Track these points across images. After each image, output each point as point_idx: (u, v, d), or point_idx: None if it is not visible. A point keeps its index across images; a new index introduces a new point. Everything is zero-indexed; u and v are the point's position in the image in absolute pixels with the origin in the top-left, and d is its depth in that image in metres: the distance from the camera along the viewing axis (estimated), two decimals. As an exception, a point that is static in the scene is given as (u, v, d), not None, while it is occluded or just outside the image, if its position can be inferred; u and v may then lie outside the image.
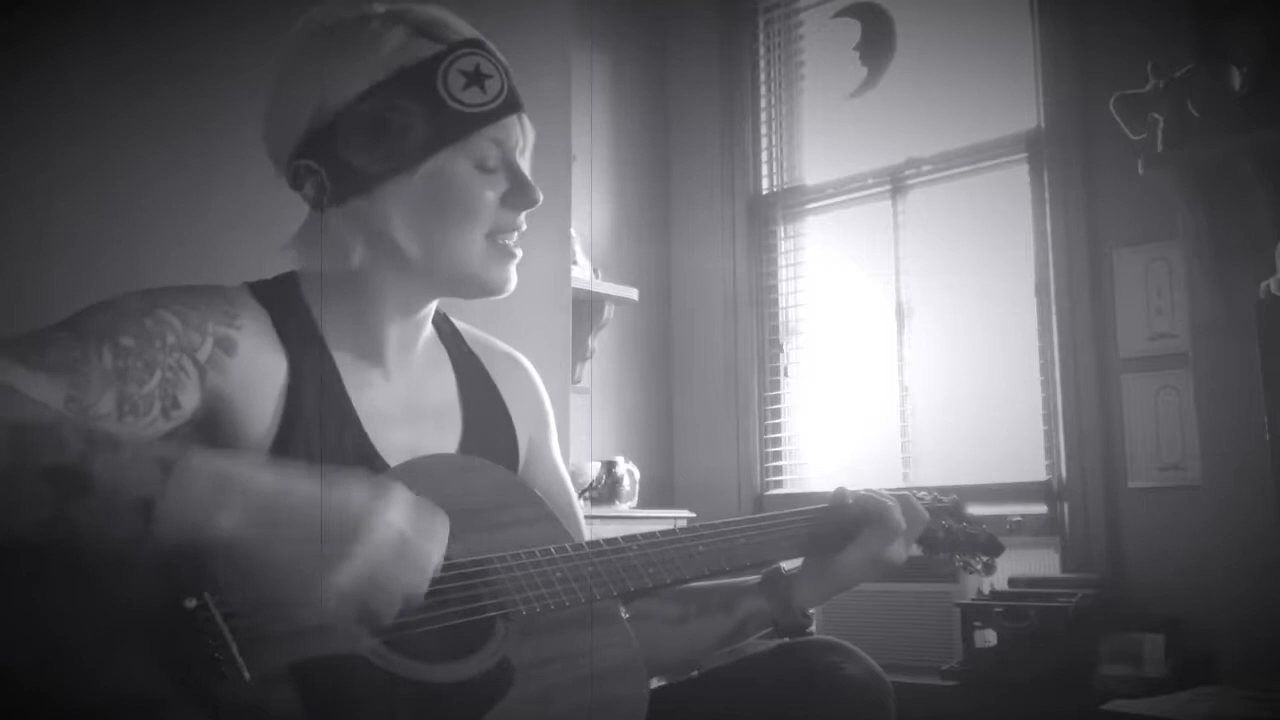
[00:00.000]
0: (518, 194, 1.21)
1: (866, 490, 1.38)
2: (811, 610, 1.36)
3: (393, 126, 1.16)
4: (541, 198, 1.23)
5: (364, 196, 1.17)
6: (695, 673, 1.35)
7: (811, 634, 1.34)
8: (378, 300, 1.23)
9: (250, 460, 0.98)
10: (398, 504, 0.95)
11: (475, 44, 1.20)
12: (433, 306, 1.30)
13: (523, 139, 1.23)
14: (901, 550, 1.35)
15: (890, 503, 1.35)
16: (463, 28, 1.21)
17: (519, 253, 1.24)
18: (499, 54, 1.22)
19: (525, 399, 1.39)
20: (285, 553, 0.90)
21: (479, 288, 1.24)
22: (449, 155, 1.17)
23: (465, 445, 1.29)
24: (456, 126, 1.17)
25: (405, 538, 0.94)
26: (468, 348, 1.38)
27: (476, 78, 1.17)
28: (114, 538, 0.89)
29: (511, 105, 1.20)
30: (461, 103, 1.16)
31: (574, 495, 1.43)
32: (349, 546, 0.90)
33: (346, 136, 1.16)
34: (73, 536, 0.89)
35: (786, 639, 1.34)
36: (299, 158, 1.18)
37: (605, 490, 3.57)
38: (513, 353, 1.42)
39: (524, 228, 1.25)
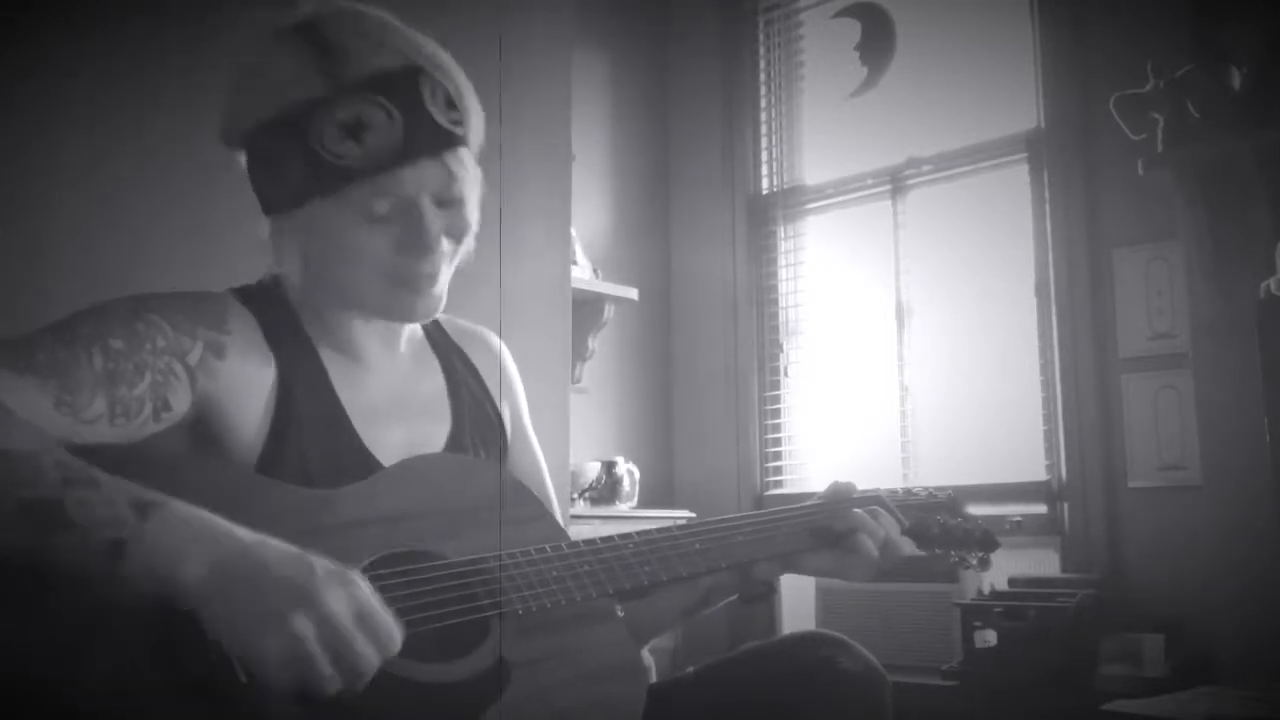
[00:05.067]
0: (410, 241, 1.15)
1: (866, 509, 1.37)
2: (774, 580, 1.36)
3: (273, 166, 1.14)
4: (448, 246, 1.17)
5: (276, 216, 1.18)
6: (692, 669, 1.35)
7: (772, 590, 1.35)
8: (338, 306, 1.23)
9: (226, 519, 0.94)
10: (362, 584, 0.92)
11: (374, 84, 1.11)
12: None
13: (444, 182, 1.15)
14: (865, 578, 1.35)
15: (873, 546, 1.33)
16: (376, 55, 1.12)
17: (432, 288, 1.19)
18: (435, 82, 1.14)
19: (496, 376, 1.38)
20: (237, 611, 0.88)
21: (388, 315, 1.22)
22: (323, 204, 1.13)
23: (455, 436, 1.29)
24: (327, 178, 1.11)
25: (367, 611, 0.91)
26: (450, 338, 1.38)
27: (354, 129, 1.10)
28: (84, 575, 0.89)
29: (413, 153, 1.12)
30: (333, 154, 1.10)
31: (545, 468, 1.43)
32: (296, 607, 0.87)
33: (252, 160, 1.17)
34: (49, 569, 0.88)
35: (748, 604, 1.35)
36: (236, 151, 1.20)
37: (605, 490, 3.57)
38: (477, 329, 1.41)
39: (438, 267, 1.18)
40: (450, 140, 1.15)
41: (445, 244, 1.18)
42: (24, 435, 0.95)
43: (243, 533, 0.92)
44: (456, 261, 1.22)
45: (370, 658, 0.89)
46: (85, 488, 0.90)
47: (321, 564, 0.91)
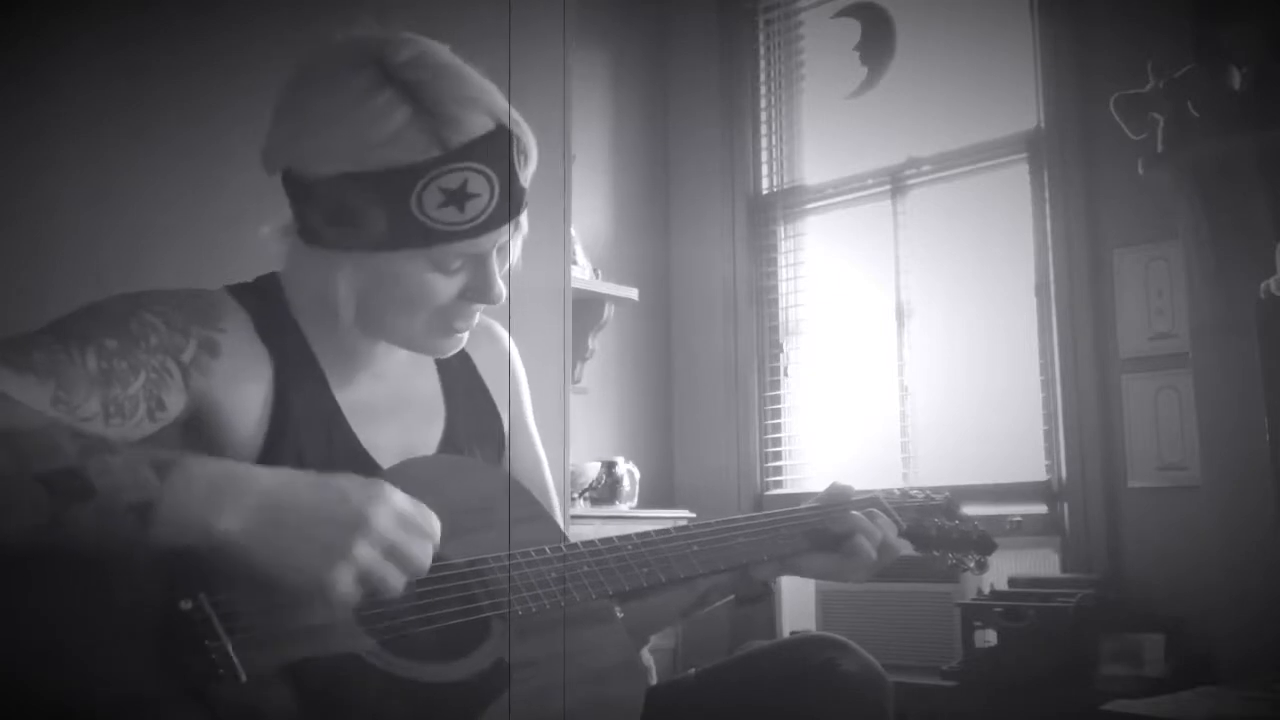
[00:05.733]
0: (478, 292, 1.17)
1: (864, 510, 1.37)
2: (772, 580, 1.37)
3: (359, 216, 1.11)
4: (503, 299, 1.19)
5: (321, 249, 1.16)
6: (693, 671, 1.35)
7: (769, 591, 1.37)
8: (369, 335, 1.23)
9: (246, 463, 0.99)
10: (393, 491, 0.99)
11: (476, 152, 1.10)
12: None
13: (511, 237, 1.18)
14: (862, 579, 1.38)
15: (870, 548, 1.34)
16: (474, 117, 1.11)
17: (466, 333, 1.23)
18: (522, 142, 1.15)
19: (501, 372, 1.38)
20: (288, 550, 0.93)
21: (415, 348, 1.24)
22: (408, 255, 1.13)
23: (450, 434, 1.29)
24: (421, 237, 1.11)
25: (407, 515, 0.98)
26: None
27: (458, 197, 1.10)
28: (112, 541, 0.90)
29: (495, 222, 1.13)
30: (432, 219, 1.10)
31: (546, 467, 1.43)
32: (353, 535, 0.94)
33: (315, 201, 1.13)
34: (69, 541, 0.89)
35: (746, 605, 1.37)
36: (281, 178, 1.17)
37: (605, 490, 3.57)
38: (488, 324, 1.40)
39: (477, 317, 1.23)
40: (524, 198, 1.17)
41: (499, 300, 1.20)
42: (29, 415, 0.95)
43: (264, 474, 0.97)
44: None
45: (424, 551, 0.99)
46: (104, 454, 0.91)
47: (351, 488, 0.97)
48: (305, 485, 0.97)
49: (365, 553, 0.94)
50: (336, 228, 1.13)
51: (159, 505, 0.89)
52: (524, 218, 1.19)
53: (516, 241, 1.21)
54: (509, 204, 1.13)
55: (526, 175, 1.18)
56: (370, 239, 1.12)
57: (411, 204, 1.09)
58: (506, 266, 1.21)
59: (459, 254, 1.14)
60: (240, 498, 0.92)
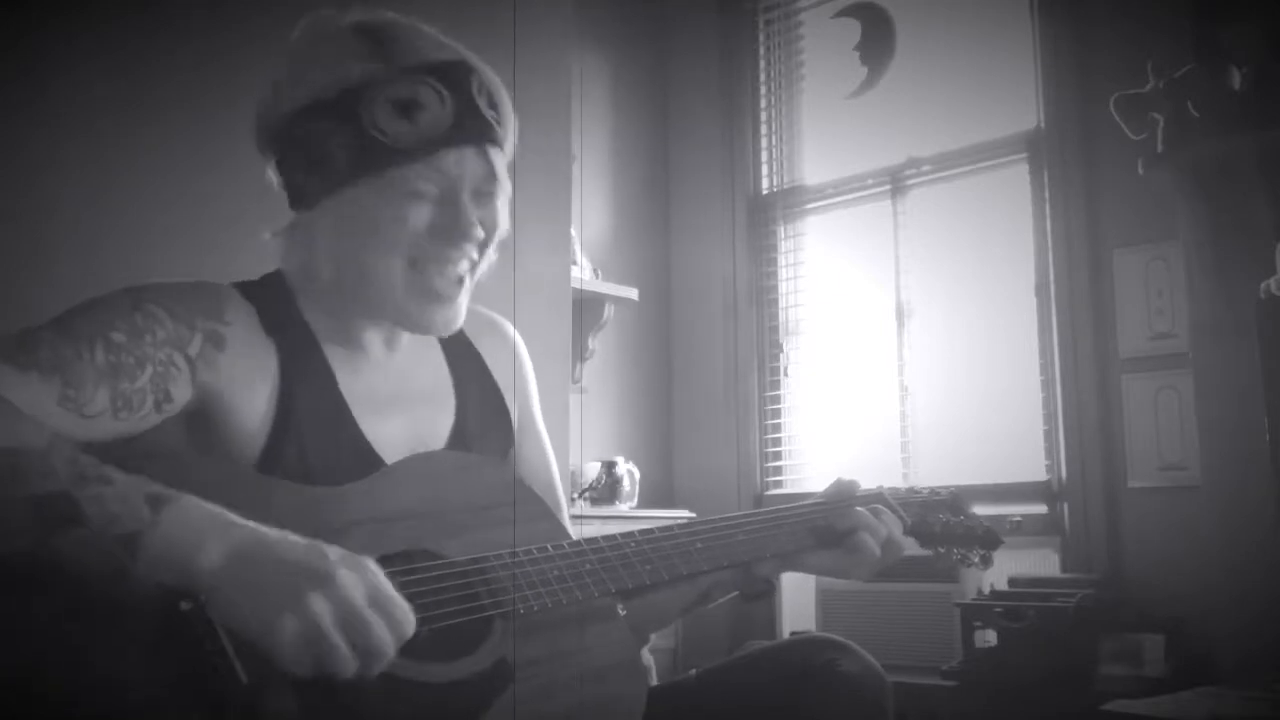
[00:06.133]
0: (450, 226, 1.16)
1: (868, 506, 1.37)
2: (775, 577, 1.36)
3: (315, 151, 1.14)
4: (482, 235, 1.17)
5: (306, 210, 1.19)
6: (693, 672, 1.35)
7: (772, 588, 1.36)
8: (345, 307, 1.23)
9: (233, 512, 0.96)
10: (378, 570, 0.94)
11: (432, 69, 1.14)
12: None
13: (484, 175, 1.17)
14: (866, 577, 1.37)
15: (875, 545, 1.34)
16: (430, 49, 1.16)
17: (455, 295, 1.19)
18: (483, 79, 1.17)
19: (509, 368, 1.38)
20: (251, 589, 0.90)
21: (406, 321, 1.21)
22: (366, 186, 1.14)
23: (459, 429, 1.29)
24: (376, 158, 1.12)
25: (381, 593, 0.92)
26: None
27: (407, 109, 1.12)
28: (97, 571, 0.89)
29: (459, 139, 1.14)
30: (383, 133, 1.12)
31: (555, 465, 1.43)
32: (312, 587, 0.89)
33: (287, 149, 1.17)
34: (54, 567, 0.89)
35: (749, 602, 1.36)
36: (267, 154, 1.20)
37: (605, 490, 3.57)
38: (491, 316, 1.40)
39: (464, 269, 1.19)
40: (492, 134, 1.17)
41: (476, 240, 1.18)
42: (31, 432, 0.95)
43: (255, 525, 0.94)
44: (479, 272, 1.23)
45: (386, 639, 0.91)
46: (98, 484, 0.91)
47: (335, 550, 0.93)
48: (289, 539, 0.93)
49: (318, 608, 0.88)
50: (312, 173, 1.15)
51: (146, 538, 0.89)
52: (507, 178, 1.20)
53: (503, 202, 1.20)
54: (473, 131, 1.15)
55: (505, 128, 1.19)
56: (337, 174, 1.13)
57: (364, 121, 1.11)
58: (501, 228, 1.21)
59: (422, 176, 1.14)
60: (222, 541, 0.91)
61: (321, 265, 1.19)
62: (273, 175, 1.22)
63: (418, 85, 1.13)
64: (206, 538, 0.91)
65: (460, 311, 1.22)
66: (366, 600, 0.91)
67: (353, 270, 1.18)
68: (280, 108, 1.17)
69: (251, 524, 0.94)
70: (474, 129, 1.15)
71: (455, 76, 1.15)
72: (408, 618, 0.93)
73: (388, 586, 0.93)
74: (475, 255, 1.20)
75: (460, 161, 1.15)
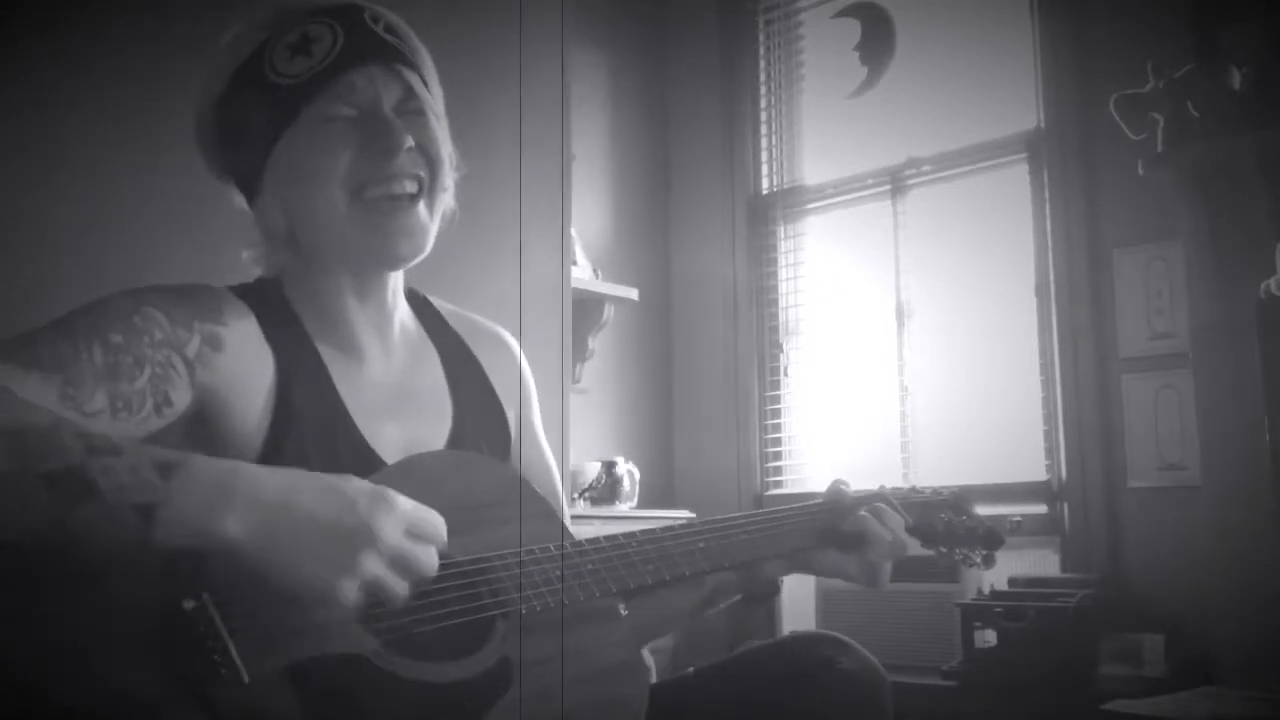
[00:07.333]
0: (375, 140, 1.17)
1: (872, 508, 1.37)
2: (780, 579, 1.36)
3: (239, 128, 1.19)
4: (412, 144, 1.18)
5: (257, 195, 1.22)
6: (692, 669, 1.35)
7: (777, 590, 1.37)
8: (323, 291, 1.23)
9: (251, 463, 0.99)
10: (398, 498, 0.98)
11: (319, 10, 1.19)
12: (390, 288, 1.28)
13: (402, 93, 1.19)
14: (870, 581, 1.37)
15: (880, 548, 1.34)
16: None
17: (409, 218, 1.19)
18: (377, 12, 1.20)
19: (509, 376, 1.38)
20: (293, 561, 0.92)
21: (368, 257, 1.21)
22: (293, 134, 1.17)
23: (457, 432, 1.29)
24: (287, 104, 1.16)
25: (413, 521, 0.98)
26: (451, 328, 1.37)
27: (301, 46, 1.16)
28: (115, 542, 0.89)
29: (361, 60, 1.17)
30: (289, 75, 1.16)
31: (557, 474, 1.43)
32: (361, 548, 0.94)
33: (223, 138, 1.21)
34: (71, 542, 0.89)
35: (754, 604, 1.37)
36: (223, 176, 1.25)
37: (605, 490, 3.57)
38: (495, 329, 1.41)
39: (410, 187, 1.19)
40: (397, 54, 1.20)
41: (406, 148, 1.18)
42: (39, 414, 0.95)
43: (269, 476, 0.96)
44: (441, 201, 1.23)
45: (429, 557, 0.99)
46: (108, 455, 0.90)
47: (358, 495, 0.96)
48: (311, 490, 0.95)
49: (372, 565, 0.94)
50: (245, 148, 1.19)
51: (163, 507, 0.89)
52: (434, 99, 1.22)
53: (440, 125, 1.22)
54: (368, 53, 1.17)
55: (413, 50, 1.22)
56: (264, 138, 1.17)
57: (268, 73, 1.16)
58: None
59: (331, 103, 1.16)
60: (244, 501, 0.92)
61: (283, 241, 1.21)
62: (236, 196, 1.25)
63: (307, 24, 1.18)
64: (223, 499, 0.91)
65: (424, 237, 1.21)
66: (405, 534, 0.97)
67: (305, 223, 1.20)
68: (209, 96, 1.21)
69: (269, 476, 0.95)
70: (375, 49, 1.18)
71: (345, 12, 1.19)
72: (440, 530, 1.00)
73: (414, 511, 0.99)
74: (421, 172, 1.20)
75: (370, 80, 1.18)
